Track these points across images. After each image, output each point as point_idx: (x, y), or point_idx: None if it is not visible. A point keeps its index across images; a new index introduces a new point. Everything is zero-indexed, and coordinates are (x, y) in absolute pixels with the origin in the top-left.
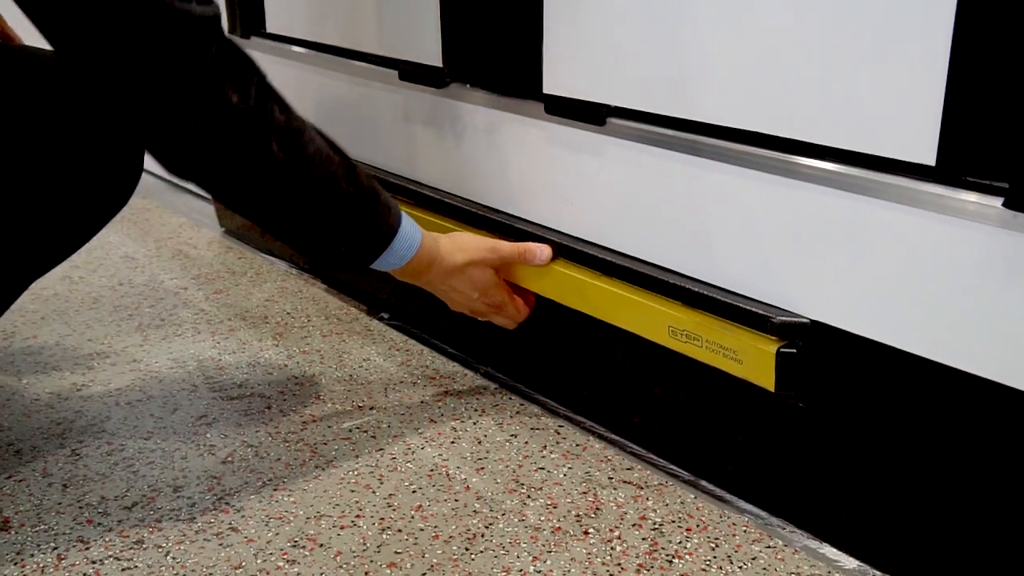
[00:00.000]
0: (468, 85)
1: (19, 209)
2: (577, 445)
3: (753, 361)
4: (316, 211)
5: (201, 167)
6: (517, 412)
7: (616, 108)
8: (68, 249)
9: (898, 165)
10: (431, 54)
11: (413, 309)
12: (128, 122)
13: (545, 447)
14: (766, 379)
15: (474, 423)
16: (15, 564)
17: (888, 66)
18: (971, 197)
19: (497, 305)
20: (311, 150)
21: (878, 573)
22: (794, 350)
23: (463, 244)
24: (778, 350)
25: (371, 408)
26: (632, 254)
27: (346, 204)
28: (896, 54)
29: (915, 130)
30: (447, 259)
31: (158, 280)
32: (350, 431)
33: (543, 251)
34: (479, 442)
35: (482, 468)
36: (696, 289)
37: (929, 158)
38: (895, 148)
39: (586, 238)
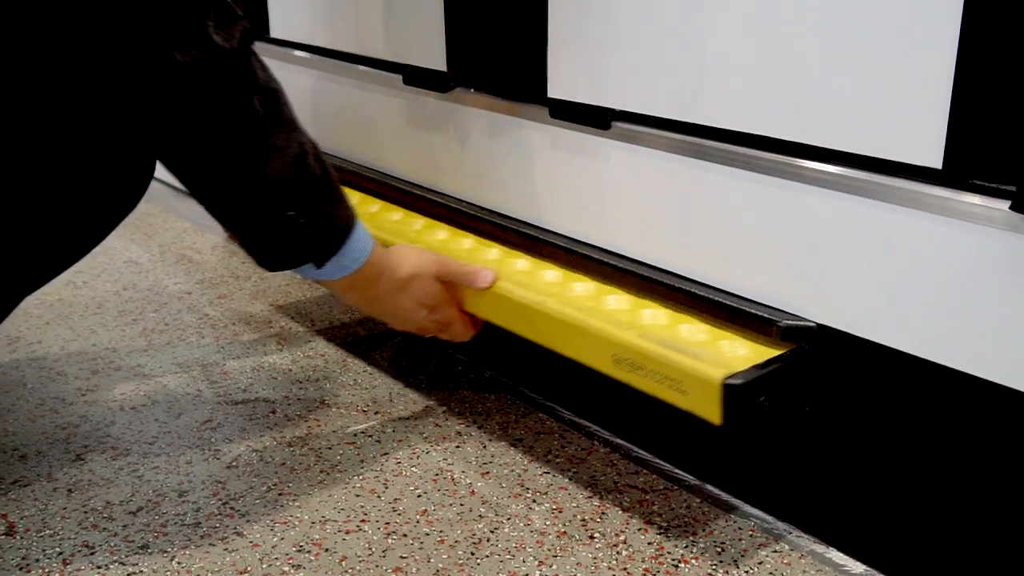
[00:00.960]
0: (472, 89)
1: (28, 211)
2: (582, 449)
3: (697, 392)
4: (284, 182)
5: (179, 117)
6: (522, 416)
7: (621, 112)
8: (74, 255)
9: (904, 168)
10: (435, 58)
11: None
12: (115, 74)
13: (550, 451)
14: (711, 412)
15: (479, 427)
16: (21, 569)
17: (894, 68)
18: (978, 200)
19: (445, 322)
20: (286, 114)
21: None
22: (740, 381)
23: (409, 257)
24: (723, 382)
25: (376, 412)
26: (636, 258)
27: (313, 181)
28: (902, 56)
29: (921, 133)
30: (396, 271)
31: (162, 285)
32: (355, 436)
33: (487, 274)
34: (484, 446)
35: (487, 472)
36: (702, 293)
37: (935, 161)
38: (901, 151)
39: (590, 242)
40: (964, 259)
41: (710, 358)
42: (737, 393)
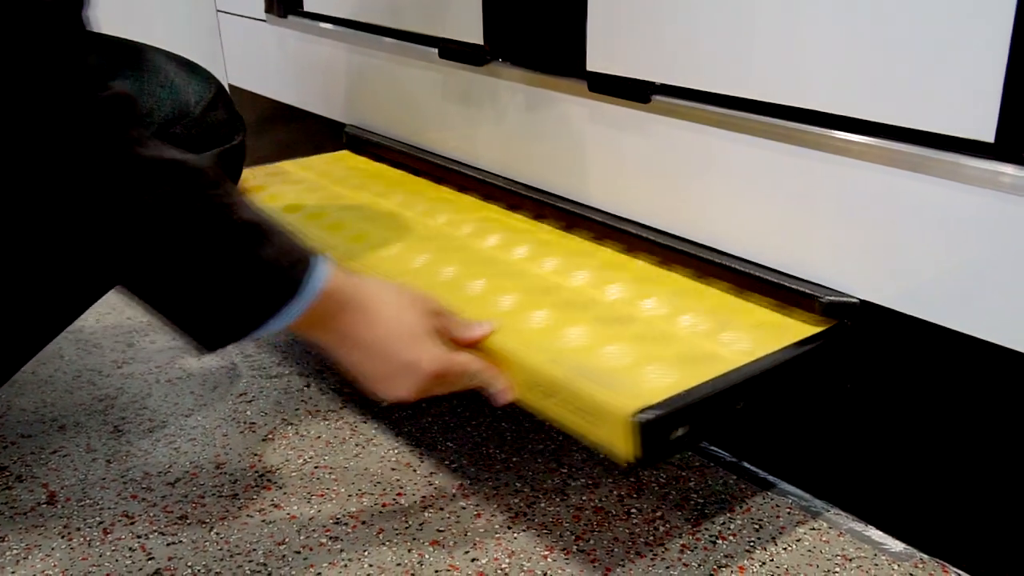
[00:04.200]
0: (509, 63)
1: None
2: None
3: (609, 426)
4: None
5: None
6: None
7: (661, 85)
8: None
9: (955, 142)
10: (472, 31)
11: None
12: None
13: None
14: (624, 446)
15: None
16: (63, 537)
17: (946, 39)
18: None
19: (456, 374)
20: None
21: (925, 556)
22: (651, 416)
23: (392, 289)
24: (635, 417)
25: None
26: (675, 233)
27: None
28: (954, 27)
29: (974, 106)
30: (374, 298)
31: None
32: (390, 409)
33: (483, 326)
34: (519, 422)
35: (523, 447)
36: (742, 268)
37: (988, 135)
38: (953, 124)
39: (629, 217)
40: (1016, 235)
41: (628, 388)
42: (651, 430)
